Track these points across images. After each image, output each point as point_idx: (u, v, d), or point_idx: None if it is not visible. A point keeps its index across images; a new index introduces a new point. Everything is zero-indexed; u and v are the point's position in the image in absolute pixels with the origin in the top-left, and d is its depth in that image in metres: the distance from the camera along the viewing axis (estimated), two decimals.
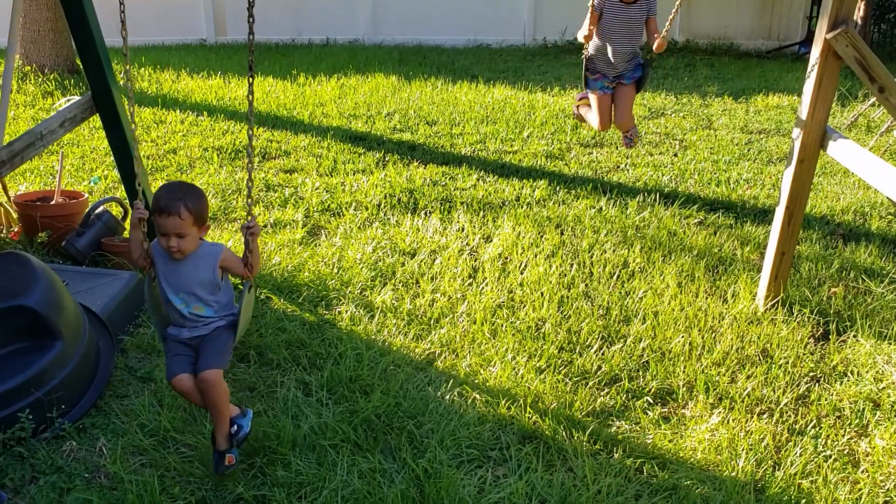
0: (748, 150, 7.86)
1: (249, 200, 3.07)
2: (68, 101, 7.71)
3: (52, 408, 3.28)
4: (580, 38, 4.90)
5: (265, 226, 5.59)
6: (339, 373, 3.75)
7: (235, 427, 3.03)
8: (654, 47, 4.70)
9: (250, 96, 2.99)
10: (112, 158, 5.61)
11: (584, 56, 5.01)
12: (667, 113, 9.58)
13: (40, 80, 9.93)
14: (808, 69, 3.92)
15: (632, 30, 4.80)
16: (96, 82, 4.44)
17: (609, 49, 4.86)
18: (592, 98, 5.15)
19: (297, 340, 4.09)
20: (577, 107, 5.54)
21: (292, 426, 3.34)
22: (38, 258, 3.97)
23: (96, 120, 4.78)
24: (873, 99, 6.05)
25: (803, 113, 3.98)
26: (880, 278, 4.86)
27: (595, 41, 4.88)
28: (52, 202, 5.25)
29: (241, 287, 3.01)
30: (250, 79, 2.96)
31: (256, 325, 4.18)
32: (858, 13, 12.88)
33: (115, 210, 5.40)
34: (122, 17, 3.07)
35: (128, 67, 3.17)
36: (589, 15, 4.75)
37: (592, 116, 5.23)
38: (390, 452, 3.26)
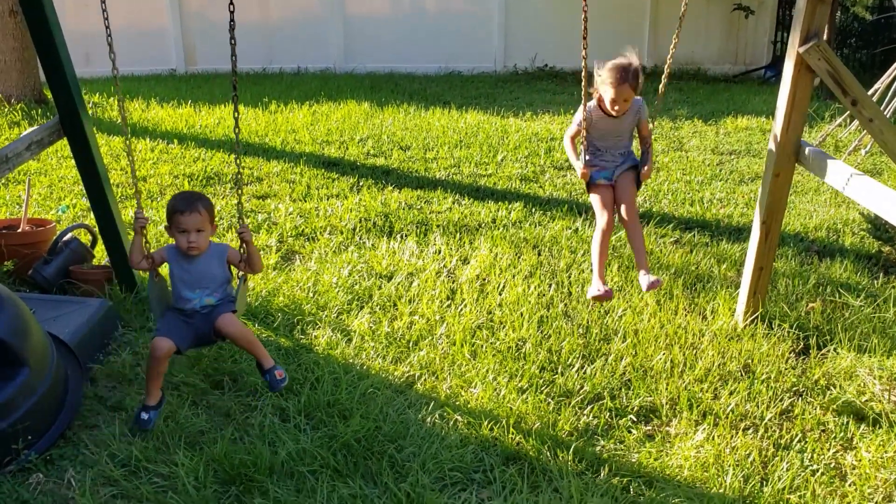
0: (720, 171, 7.92)
1: (239, 207, 3.56)
2: None
3: (17, 439, 3.15)
4: (566, 141, 4.32)
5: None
6: (317, 398, 3.66)
7: (279, 371, 3.40)
8: (642, 175, 4.19)
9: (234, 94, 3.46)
10: (80, 187, 5.51)
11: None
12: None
13: (6, 110, 9.78)
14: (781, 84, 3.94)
15: (622, 137, 4.23)
16: (65, 107, 4.33)
17: (599, 152, 4.25)
18: (594, 198, 4.30)
19: None
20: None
21: (269, 452, 3.25)
22: (4, 286, 3.84)
23: (65, 149, 4.68)
24: (840, 119, 6.12)
25: (777, 127, 4.00)
26: (856, 292, 4.88)
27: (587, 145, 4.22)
28: (19, 230, 5.13)
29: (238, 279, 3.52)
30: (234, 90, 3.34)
31: (231, 352, 4.08)
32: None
33: (84, 237, 5.28)
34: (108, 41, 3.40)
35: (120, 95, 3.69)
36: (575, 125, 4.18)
37: (597, 217, 4.28)
38: (371, 477, 3.17)
